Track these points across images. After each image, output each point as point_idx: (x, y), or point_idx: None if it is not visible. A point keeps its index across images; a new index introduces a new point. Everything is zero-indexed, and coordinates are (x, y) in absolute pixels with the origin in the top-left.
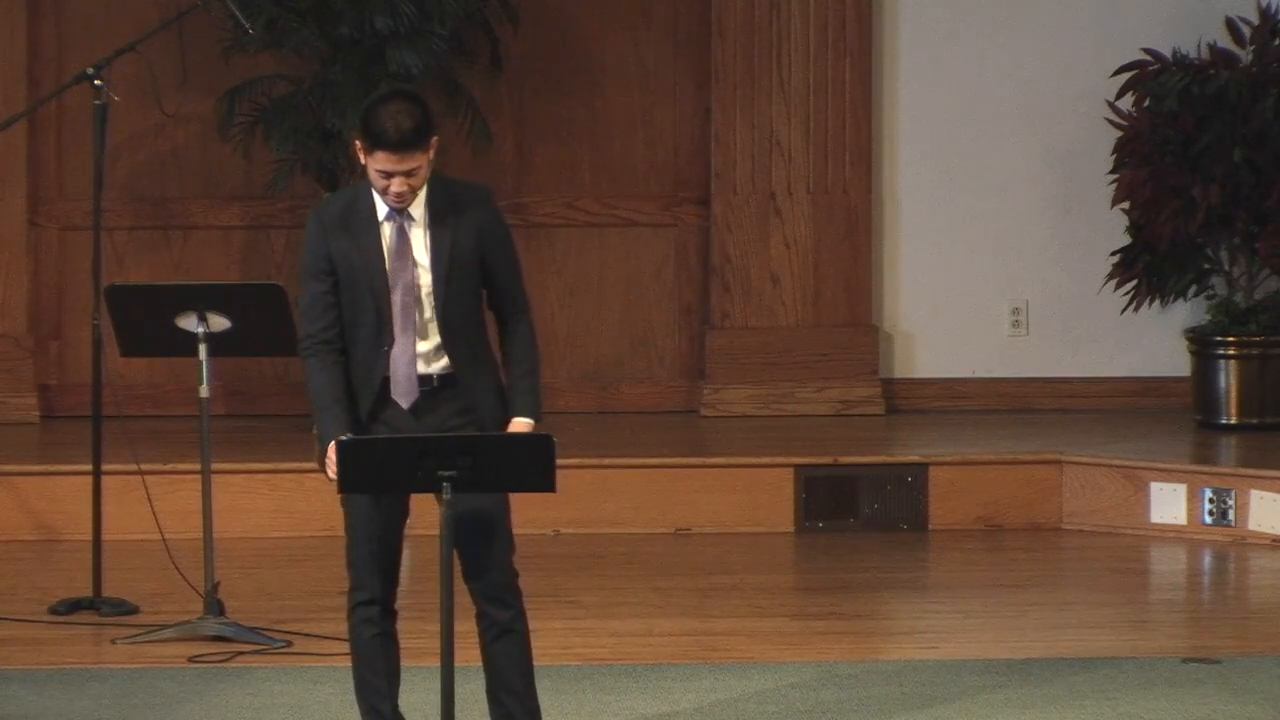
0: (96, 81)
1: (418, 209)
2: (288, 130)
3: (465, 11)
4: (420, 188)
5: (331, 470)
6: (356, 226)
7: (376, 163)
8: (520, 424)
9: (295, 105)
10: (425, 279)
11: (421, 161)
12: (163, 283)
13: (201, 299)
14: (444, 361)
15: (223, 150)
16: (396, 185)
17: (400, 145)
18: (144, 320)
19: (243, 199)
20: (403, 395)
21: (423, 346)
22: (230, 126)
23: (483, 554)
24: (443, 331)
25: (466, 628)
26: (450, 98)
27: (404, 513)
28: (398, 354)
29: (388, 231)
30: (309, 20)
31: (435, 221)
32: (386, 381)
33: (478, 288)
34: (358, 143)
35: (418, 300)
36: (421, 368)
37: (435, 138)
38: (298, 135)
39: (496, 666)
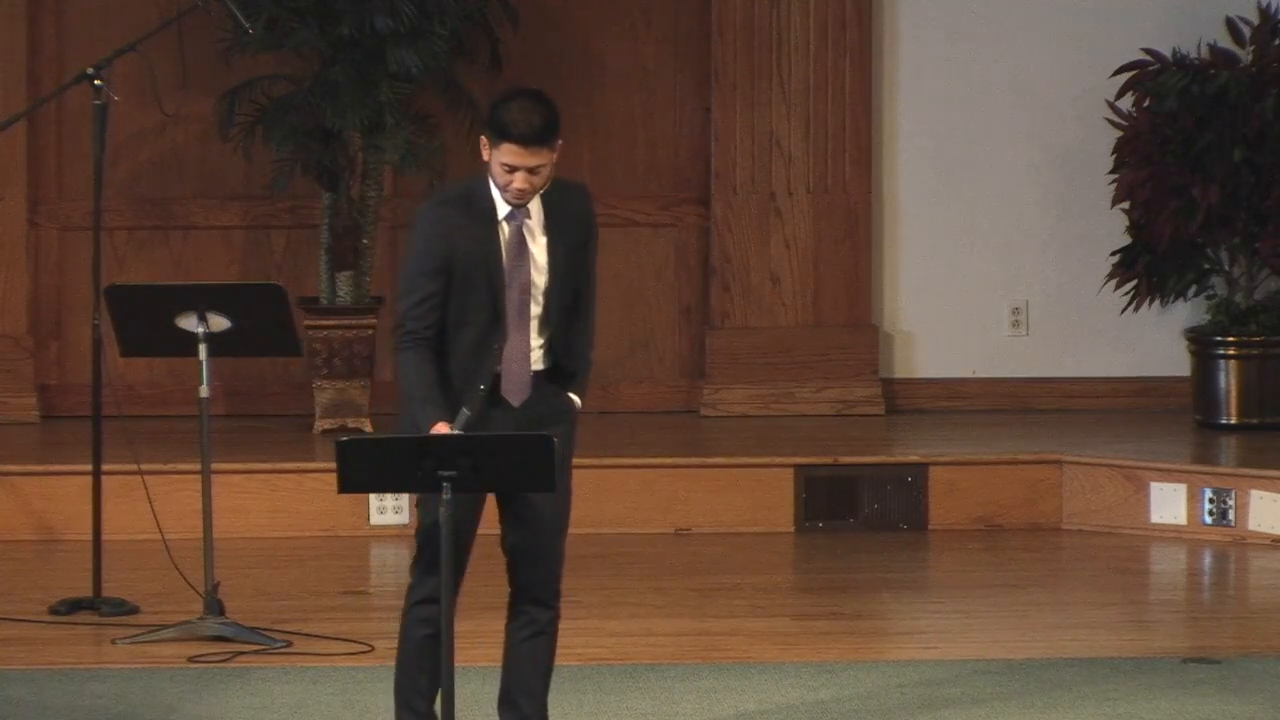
0: (96, 81)
1: (534, 207)
2: (288, 130)
3: (465, 11)
4: (541, 187)
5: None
6: (476, 223)
7: (502, 155)
8: (574, 400)
9: (295, 105)
10: (540, 279)
11: (546, 160)
12: (163, 283)
13: (201, 299)
14: (544, 359)
15: (223, 150)
16: (519, 181)
17: (529, 140)
18: (144, 320)
19: (243, 199)
20: (515, 393)
21: (535, 343)
22: (230, 126)
23: (540, 556)
24: (554, 327)
25: (467, 628)
26: (450, 98)
27: (477, 515)
28: (511, 352)
29: (506, 230)
30: (309, 20)
31: (551, 222)
32: (496, 378)
33: (576, 284)
34: (483, 137)
35: (533, 299)
36: (532, 364)
37: (560, 141)
38: (298, 135)
39: (520, 667)
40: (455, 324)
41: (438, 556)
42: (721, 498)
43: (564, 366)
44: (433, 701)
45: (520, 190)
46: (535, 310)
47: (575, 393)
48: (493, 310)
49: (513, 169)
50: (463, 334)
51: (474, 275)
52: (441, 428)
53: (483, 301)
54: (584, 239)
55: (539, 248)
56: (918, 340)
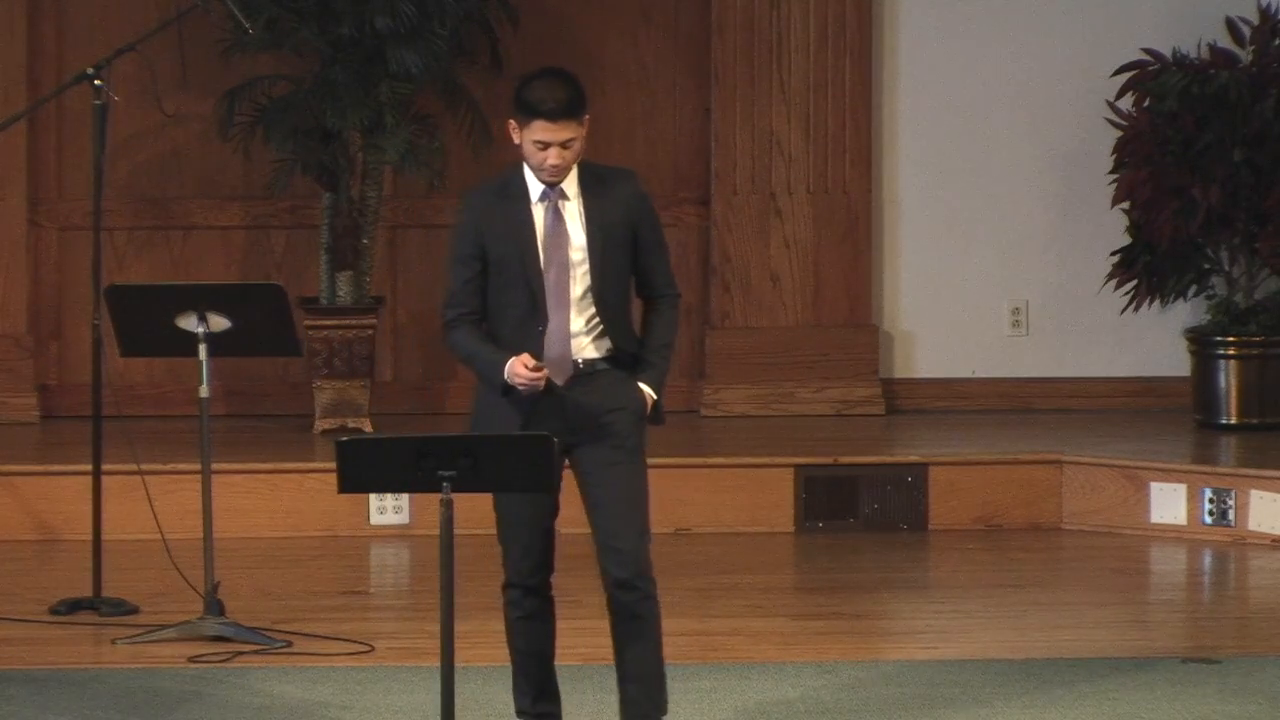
0: (96, 81)
1: (570, 187)
2: (288, 130)
3: (465, 11)
4: (574, 162)
5: (525, 380)
6: (509, 208)
7: (533, 134)
8: (644, 390)
9: (295, 105)
10: (579, 256)
11: (576, 134)
12: (163, 283)
13: (201, 299)
14: (600, 343)
15: (223, 150)
16: (553, 157)
17: (556, 114)
18: (144, 320)
19: (243, 199)
20: (558, 373)
21: (577, 325)
22: (230, 126)
23: (617, 537)
24: (599, 307)
25: (467, 628)
26: (450, 98)
27: (553, 507)
28: (553, 332)
29: (541, 211)
30: (309, 20)
31: (588, 199)
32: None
33: (629, 267)
34: (511, 122)
35: (572, 278)
36: (575, 348)
37: (588, 115)
38: (298, 135)
39: (620, 652)
40: (497, 308)
41: (510, 544)
42: (721, 498)
43: (631, 353)
44: (534, 699)
45: (555, 166)
46: (576, 291)
47: (646, 383)
48: (530, 292)
49: (545, 145)
50: (505, 318)
51: (509, 258)
52: (520, 362)
53: (520, 283)
54: (630, 220)
55: (577, 229)
56: (918, 340)
